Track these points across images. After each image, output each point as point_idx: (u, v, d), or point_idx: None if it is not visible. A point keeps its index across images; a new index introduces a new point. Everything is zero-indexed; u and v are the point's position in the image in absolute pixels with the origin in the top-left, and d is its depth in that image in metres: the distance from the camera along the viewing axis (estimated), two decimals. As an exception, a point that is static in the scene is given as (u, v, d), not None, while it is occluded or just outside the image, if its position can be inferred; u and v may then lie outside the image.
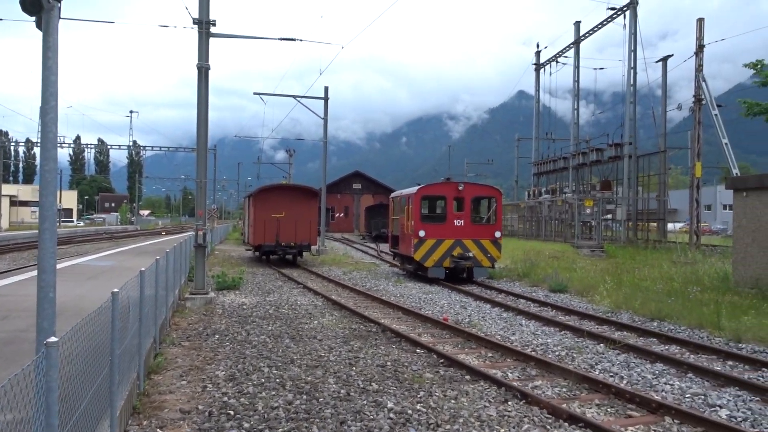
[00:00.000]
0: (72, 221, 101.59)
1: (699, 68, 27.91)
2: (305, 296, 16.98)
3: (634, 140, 31.53)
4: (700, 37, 28.06)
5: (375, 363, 9.24)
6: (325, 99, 37.08)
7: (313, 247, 27.12)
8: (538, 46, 43.88)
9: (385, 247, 45.12)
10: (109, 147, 74.70)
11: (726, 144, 26.21)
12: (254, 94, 36.43)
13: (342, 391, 7.74)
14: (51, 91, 4.04)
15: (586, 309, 14.78)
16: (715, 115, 26.75)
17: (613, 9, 32.98)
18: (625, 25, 32.12)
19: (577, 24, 38.26)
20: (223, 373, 8.65)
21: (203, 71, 15.65)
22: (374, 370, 8.85)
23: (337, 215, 74.55)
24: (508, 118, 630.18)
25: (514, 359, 9.62)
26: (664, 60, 36.42)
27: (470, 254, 20.42)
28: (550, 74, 42.04)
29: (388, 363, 9.24)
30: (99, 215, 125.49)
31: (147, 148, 62.04)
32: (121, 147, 79.61)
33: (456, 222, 20.67)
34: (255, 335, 11.33)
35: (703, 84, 27.53)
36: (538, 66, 43.76)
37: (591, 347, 10.41)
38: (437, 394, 7.63)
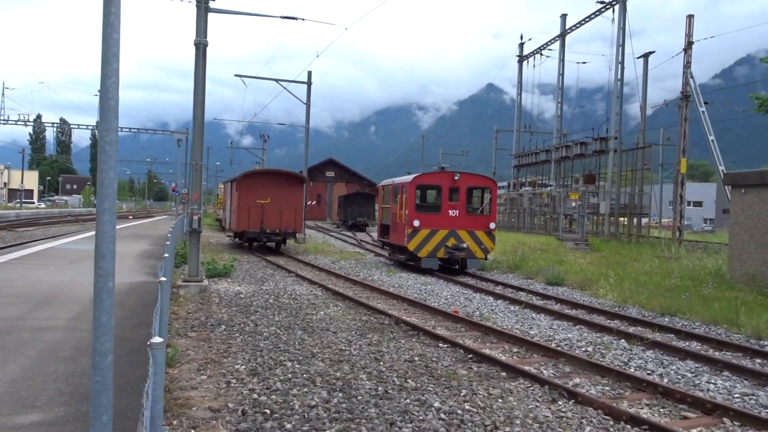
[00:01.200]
0: (33, 203, 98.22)
1: (687, 65, 28.08)
2: (301, 285, 16.42)
3: (620, 135, 31.67)
4: (689, 34, 28.22)
5: (401, 358, 8.80)
6: (308, 84, 36.31)
7: (298, 234, 26.47)
8: (521, 38, 43.88)
9: (362, 236, 44.74)
10: (71, 127, 72.05)
11: (713, 141, 26.48)
12: (235, 76, 35.35)
13: (379, 388, 7.28)
14: (113, 51, 3.44)
15: (591, 303, 14.59)
16: (702, 112, 26.98)
17: (602, 2, 32.95)
18: (613, 19, 32.19)
19: (564, 17, 38.21)
20: (243, 367, 8.10)
21: (201, 48, 14.86)
22: (403, 365, 8.42)
23: (309, 203, 73.63)
24: (476, 110, 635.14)
25: (541, 355, 9.30)
26: (646, 56, 36.70)
27: (464, 245, 20.13)
28: (534, 66, 42.07)
29: (416, 358, 8.81)
30: (60, 197, 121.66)
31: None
32: (81, 127, 76.78)
33: (451, 212, 20.33)
34: (264, 326, 10.77)
35: (691, 81, 27.72)
36: (522, 58, 43.65)
37: (615, 343, 10.17)
38: (481, 393, 7.23)
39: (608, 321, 12.30)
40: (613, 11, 32.31)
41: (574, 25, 37.10)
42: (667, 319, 12.60)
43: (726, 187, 20.40)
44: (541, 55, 41.25)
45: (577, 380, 7.98)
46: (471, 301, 14.43)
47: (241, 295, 14.27)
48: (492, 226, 20.59)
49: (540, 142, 47.67)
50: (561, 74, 38.44)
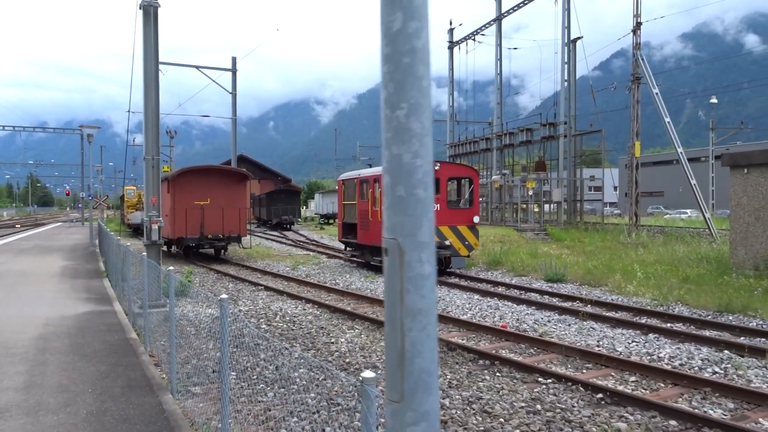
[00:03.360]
0: None
1: (637, 46, 27.56)
2: (285, 302, 13.62)
3: (569, 119, 30.88)
4: (637, 15, 27.73)
5: (511, 403, 6.51)
6: (233, 71, 32.85)
7: (243, 238, 23.30)
8: (451, 23, 42.35)
9: (292, 235, 41.67)
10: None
11: (669, 123, 26.07)
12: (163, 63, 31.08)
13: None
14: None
15: (623, 301, 12.97)
16: (656, 93, 26.53)
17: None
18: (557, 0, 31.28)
19: (499, 0, 37.03)
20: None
21: (151, 12, 11.69)
22: (529, 417, 6.14)
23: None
24: (375, 103, 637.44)
25: (671, 383, 7.33)
26: (573, 42, 36.32)
27: (448, 242, 18.06)
28: (467, 53, 40.76)
29: (537, 406, 6.54)
30: None
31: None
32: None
33: (431, 206, 18.16)
34: (288, 370, 8.09)
35: (641, 62, 27.22)
36: (452, 44, 42.17)
37: (735, 359, 8.39)
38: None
39: (663, 323, 10.64)
40: (558, -8, 31.38)
41: (512, 8, 35.98)
42: (731, 318, 11.11)
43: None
44: (474, 40, 39.96)
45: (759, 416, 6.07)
46: (497, 310, 12.34)
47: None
48: (476, 219, 18.66)
49: (462, 130, 46.68)
50: (499, 59, 37.29)
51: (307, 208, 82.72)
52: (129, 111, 19.81)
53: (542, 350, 9.03)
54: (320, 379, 7.60)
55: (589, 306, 12.73)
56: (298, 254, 26.04)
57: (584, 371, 7.99)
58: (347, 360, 8.51)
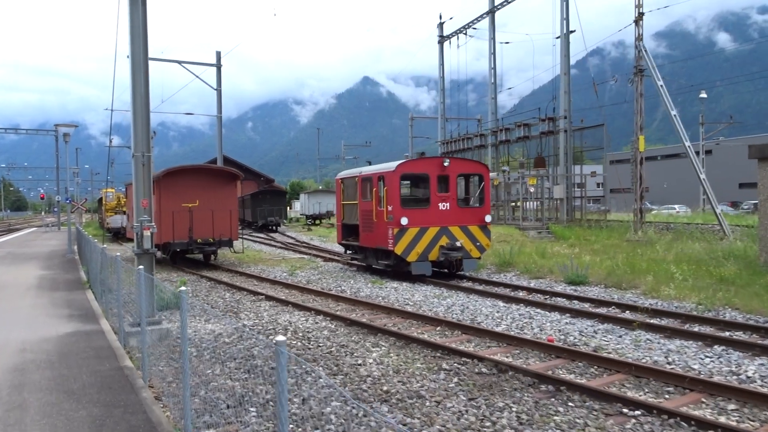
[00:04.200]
0: None
1: (639, 37, 26.61)
2: (292, 314, 12.27)
3: (569, 114, 29.89)
4: (639, 5, 26.81)
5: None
6: (218, 66, 31.25)
7: (234, 242, 21.84)
8: (441, 17, 41.21)
9: (279, 237, 40.15)
10: None
11: (675, 116, 25.17)
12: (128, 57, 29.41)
13: None
14: None
15: (664, 306, 11.87)
16: (661, 86, 25.61)
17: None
18: (555, -11, 30.27)
19: (493, -8, 35.95)
20: None
21: (140, -9, 10.28)
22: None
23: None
24: (354, 103, 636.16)
25: (780, 411, 6.18)
26: (567, 35, 35.41)
27: (459, 244, 16.87)
28: (458, 47, 39.57)
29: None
30: None
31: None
32: None
33: (441, 205, 16.96)
34: (316, 401, 6.77)
35: (645, 54, 26.30)
36: (443, 39, 40.98)
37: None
38: None
39: (751, 336, 9.54)
40: (557, -19, 30.37)
41: (505, 1, 34.88)
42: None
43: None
44: (465, 34, 38.83)
45: None
46: (532, 319, 11.13)
47: (224, 339, 9.99)
48: (488, 219, 17.46)
49: (454, 127, 45.68)
50: (492, 53, 36.20)
51: (291, 208, 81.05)
52: (111, 109, 18.21)
53: (605, 369, 7.84)
54: (359, 415, 6.30)
55: (627, 312, 11.61)
56: (292, 258, 24.64)
57: (668, 397, 6.81)
58: (384, 388, 7.22)
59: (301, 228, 50.31)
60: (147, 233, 10.25)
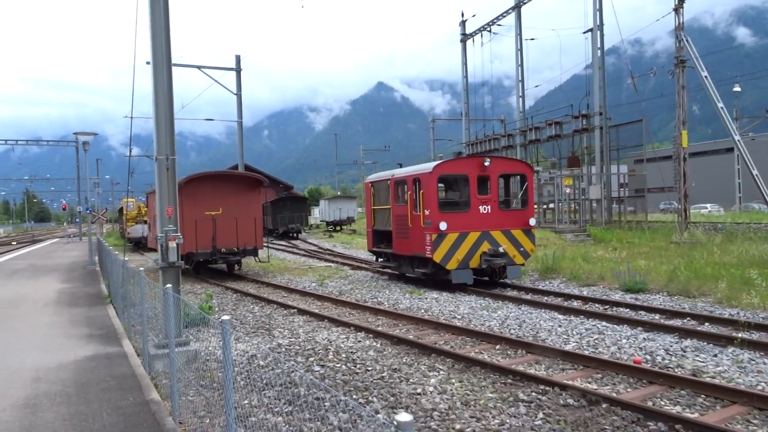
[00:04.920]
0: None
1: (680, 26, 25.25)
2: (329, 330, 11.16)
3: (604, 110, 28.55)
4: (679, -7, 25.47)
5: None
6: (238, 70, 30.41)
7: (260, 251, 20.84)
8: (463, 15, 40.04)
9: (302, 244, 39.17)
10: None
11: (722, 108, 23.75)
12: (147, 63, 28.72)
13: None
14: None
15: (749, 317, 10.57)
16: (705, 76, 24.20)
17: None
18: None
19: (518, -14, 34.74)
20: None
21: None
22: None
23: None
24: (368, 108, 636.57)
25: None
26: (600, 27, 34.03)
27: (502, 249, 15.68)
28: (482, 45, 38.39)
29: None
30: None
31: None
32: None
33: (482, 208, 15.78)
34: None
35: (687, 44, 24.91)
36: (465, 37, 39.79)
37: None
38: None
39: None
40: (588, -27, 29.07)
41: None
42: None
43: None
44: (489, 31, 37.62)
45: None
46: (602, 334, 9.91)
47: (258, 362, 8.91)
48: (532, 222, 16.26)
49: (479, 129, 44.46)
50: (519, 49, 34.96)
51: (310, 215, 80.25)
52: (131, 117, 17.24)
53: (716, 399, 6.61)
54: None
55: (707, 324, 10.34)
56: (318, 266, 23.58)
57: (808, 436, 5.58)
58: (457, 426, 6.06)
59: (321, 235, 49.36)
60: (173, 244, 9.27)
